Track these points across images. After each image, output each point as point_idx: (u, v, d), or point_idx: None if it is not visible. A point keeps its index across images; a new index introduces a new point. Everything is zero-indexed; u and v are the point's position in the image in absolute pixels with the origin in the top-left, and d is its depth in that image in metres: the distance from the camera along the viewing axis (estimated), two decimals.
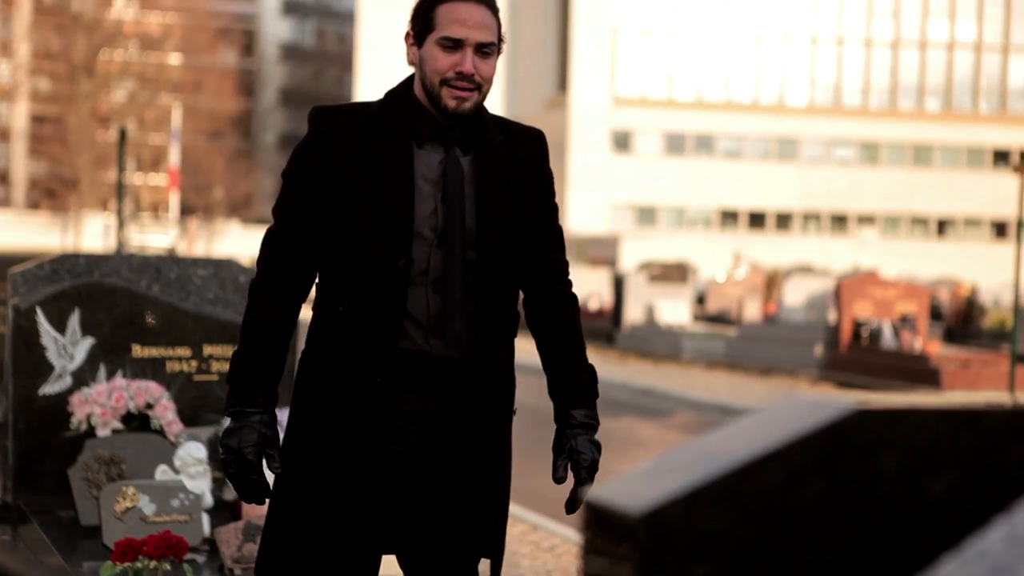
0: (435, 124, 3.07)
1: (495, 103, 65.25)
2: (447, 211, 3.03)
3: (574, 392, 3.21)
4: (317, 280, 3.14)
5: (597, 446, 3.19)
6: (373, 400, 2.99)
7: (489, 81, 3.07)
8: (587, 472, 3.16)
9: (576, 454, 3.15)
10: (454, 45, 3.03)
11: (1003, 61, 64.29)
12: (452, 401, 3.06)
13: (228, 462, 3.02)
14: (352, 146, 3.03)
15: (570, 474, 3.22)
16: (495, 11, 3.11)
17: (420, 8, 3.10)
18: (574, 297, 3.29)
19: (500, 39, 3.10)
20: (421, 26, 3.08)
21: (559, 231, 3.27)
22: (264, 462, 3.02)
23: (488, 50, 3.06)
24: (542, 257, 3.21)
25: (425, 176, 3.04)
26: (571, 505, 3.14)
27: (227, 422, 3.03)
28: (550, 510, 8.45)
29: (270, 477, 3.24)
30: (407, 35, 3.14)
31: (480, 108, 3.12)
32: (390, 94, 3.15)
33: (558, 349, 3.23)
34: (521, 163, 3.17)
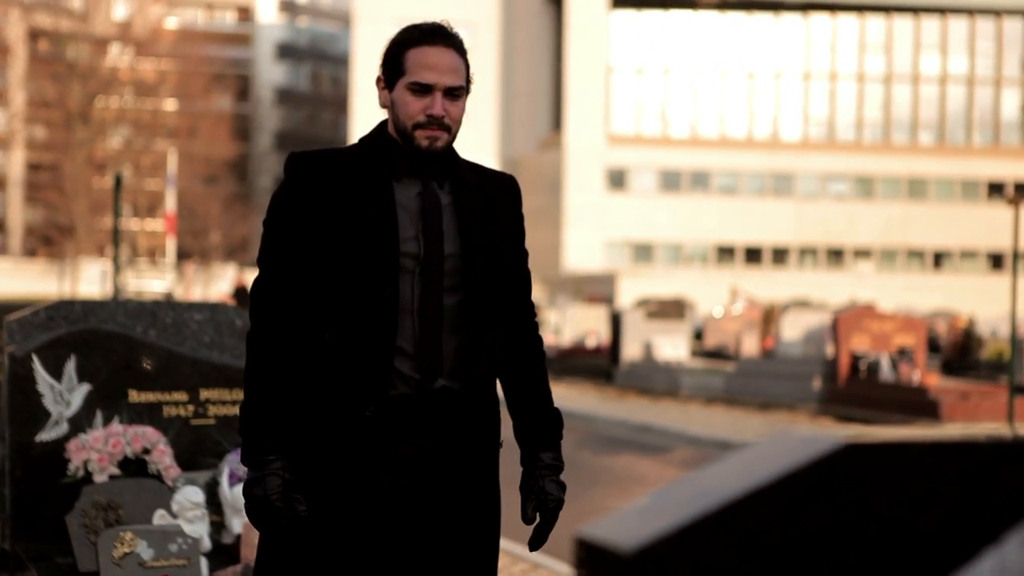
0: (410, 159, 3.11)
1: (490, 143, 65.52)
2: (427, 240, 3.06)
3: (541, 435, 3.25)
4: None
5: (562, 487, 3.25)
6: (365, 431, 3.00)
7: (458, 123, 3.13)
8: (552, 513, 3.23)
9: (544, 495, 3.20)
10: (423, 89, 3.08)
11: (995, 94, 64.58)
12: (439, 434, 3.06)
13: (255, 511, 3.02)
14: (330, 185, 3.07)
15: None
16: (463, 53, 3.15)
17: (389, 53, 3.15)
18: (540, 340, 3.34)
19: (468, 80, 3.15)
20: (391, 71, 3.13)
21: (528, 275, 3.33)
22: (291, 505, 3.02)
23: (457, 93, 3.10)
24: (512, 299, 3.24)
25: (404, 206, 3.08)
26: (535, 543, 3.23)
27: (244, 474, 3.03)
28: (550, 548, 8.42)
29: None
30: (378, 79, 3.18)
31: (452, 151, 3.18)
32: (364, 137, 3.20)
33: (526, 392, 3.27)
34: (496, 204, 3.21)
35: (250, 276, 58.41)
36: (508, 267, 3.21)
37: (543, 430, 3.24)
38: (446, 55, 3.10)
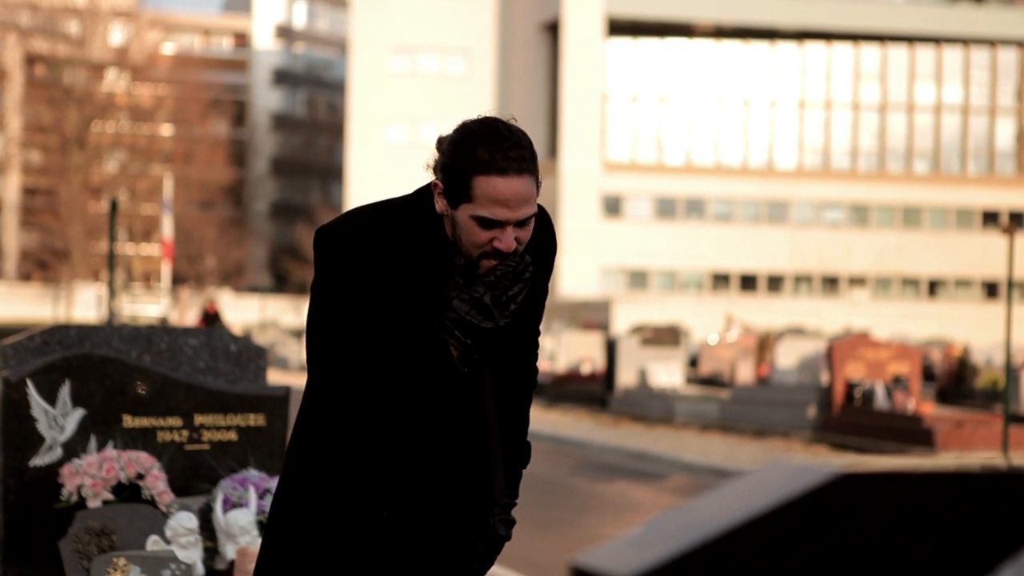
0: (467, 275, 2.88)
1: None
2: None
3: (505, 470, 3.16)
4: (309, 393, 2.98)
5: (511, 524, 3.17)
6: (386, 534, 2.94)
7: (527, 240, 2.87)
8: (497, 551, 3.18)
9: (494, 533, 3.13)
10: (493, 223, 2.79)
11: (990, 123, 64.75)
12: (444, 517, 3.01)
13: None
14: (380, 277, 2.83)
15: None
16: (535, 167, 2.82)
17: (452, 168, 2.80)
18: (536, 370, 3.22)
19: (538, 184, 2.84)
20: (454, 190, 2.79)
21: (538, 338, 3.20)
22: None
23: (530, 219, 2.82)
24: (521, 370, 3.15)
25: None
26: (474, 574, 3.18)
27: None
28: (545, 575, 8.41)
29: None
30: (435, 184, 2.85)
31: None
32: (410, 215, 2.88)
33: (503, 420, 3.13)
34: (533, 281, 2.98)
35: (220, 299, 58.39)
36: (527, 356, 3.10)
37: (507, 465, 3.13)
38: (519, 184, 2.76)
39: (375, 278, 2.82)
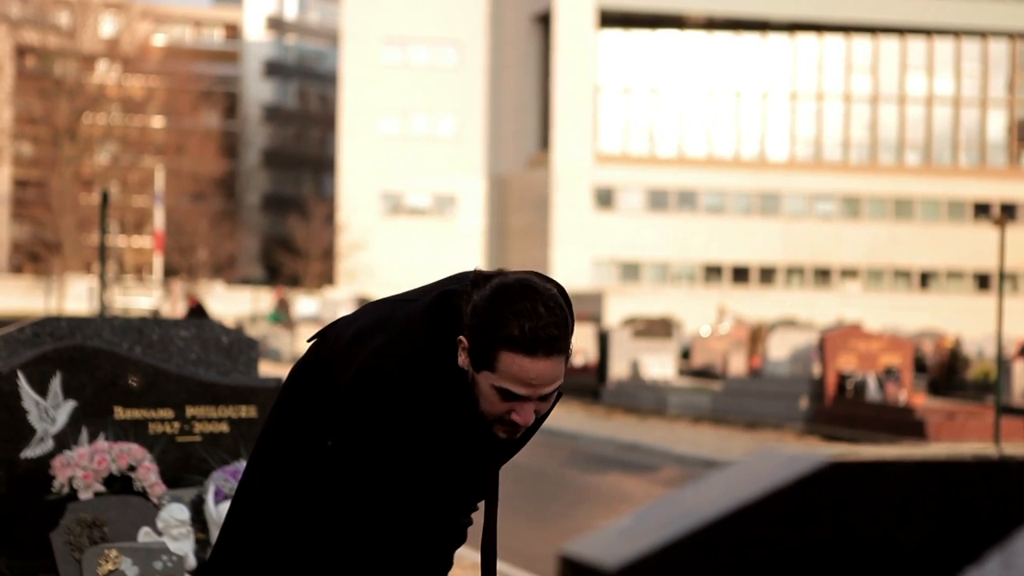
0: (484, 429, 2.77)
1: (478, 162, 65.50)
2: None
3: None
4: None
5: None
6: None
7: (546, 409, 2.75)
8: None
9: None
10: (514, 398, 2.65)
11: (981, 115, 64.82)
12: None
13: None
14: (412, 420, 2.71)
15: None
16: (569, 347, 2.69)
17: (479, 334, 2.62)
18: None
19: (568, 354, 2.71)
20: (478, 356, 2.62)
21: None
22: None
23: (553, 393, 2.69)
24: None
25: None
26: None
27: None
28: (535, 565, 8.42)
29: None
30: (460, 340, 2.67)
31: None
32: (441, 361, 2.71)
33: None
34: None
35: (210, 292, 58.27)
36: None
37: None
38: (548, 366, 2.61)
39: (407, 421, 2.69)
